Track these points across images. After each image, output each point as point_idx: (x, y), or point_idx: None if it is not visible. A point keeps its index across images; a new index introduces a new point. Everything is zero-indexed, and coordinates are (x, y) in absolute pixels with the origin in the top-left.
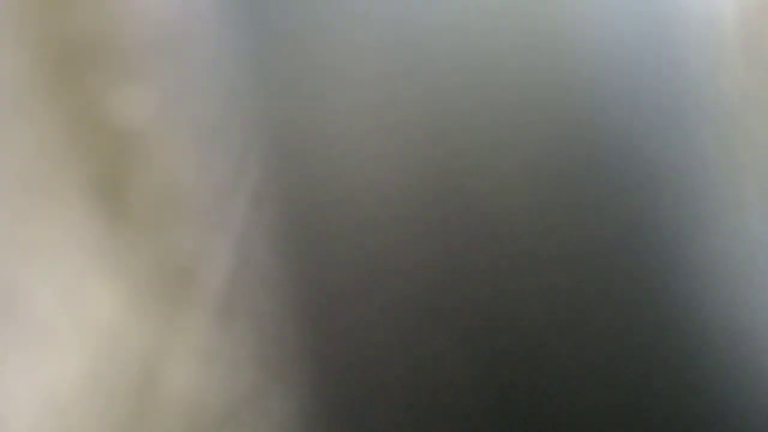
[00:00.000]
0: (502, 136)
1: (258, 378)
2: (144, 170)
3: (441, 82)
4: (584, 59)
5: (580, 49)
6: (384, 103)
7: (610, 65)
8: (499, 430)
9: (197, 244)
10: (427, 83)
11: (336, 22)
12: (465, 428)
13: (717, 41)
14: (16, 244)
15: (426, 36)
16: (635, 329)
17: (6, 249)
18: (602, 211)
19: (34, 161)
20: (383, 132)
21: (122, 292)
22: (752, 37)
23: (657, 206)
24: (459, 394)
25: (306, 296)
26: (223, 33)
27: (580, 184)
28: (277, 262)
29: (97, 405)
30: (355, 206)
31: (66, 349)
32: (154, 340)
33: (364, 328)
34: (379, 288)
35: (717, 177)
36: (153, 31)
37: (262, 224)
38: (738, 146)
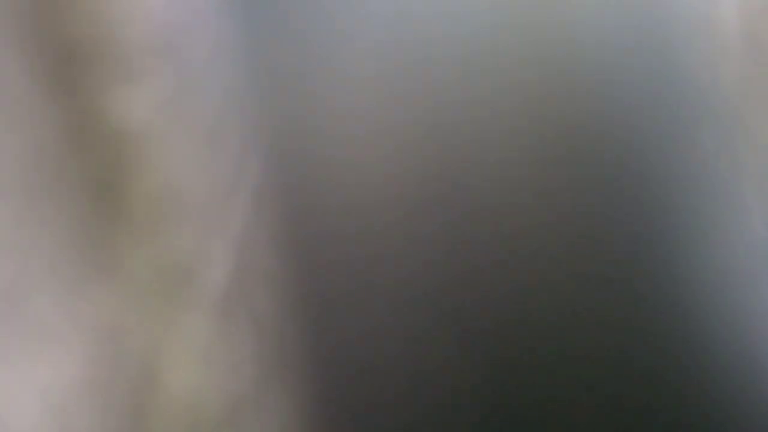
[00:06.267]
0: (503, 136)
1: (257, 378)
2: (143, 171)
3: (441, 83)
4: (584, 60)
5: (580, 50)
6: (384, 104)
7: (610, 65)
8: (500, 429)
9: (197, 245)
10: (428, 83)
11: (336, 22)
12: (466, 427)
13: (718, 41)
14: (16, 245)
15: (426, 36)
16: (637, 329)
17: (6, 250)
18: (603, 212)
19: (33, 162)
20: (383, 132)
21: (121, 293)
22: (753, 38)
23: (658, 206)
24: (458, 393)
25: (305, 296)
26: (222, 34)
27: (581, 185)
28: (276, 263)
29: (97, 405)
30: (354, 206)
31: (65, 349)
32: (154, 340)
33: (362, 328)
34: (379, 287)
35: (717, 176)
36: (153, 31)
37: (262, 224)
38: (739, 146)
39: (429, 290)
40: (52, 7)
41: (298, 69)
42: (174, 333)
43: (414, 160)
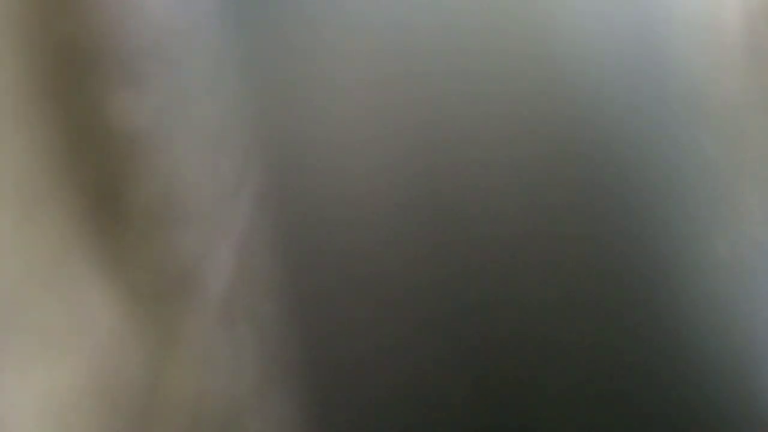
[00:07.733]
0: (497, 140)
1: (259, 382)
2: (144, 175)
3: (436, 89)
4: (584, 62)
5: (579, 53)
6: (383, 108)
7: (610, 67)
8: (494, 429)
9: (198, 249)
10: (423, 89)
11: (334, 28)
12: (461, 428)
13: (719, 43)
14: (17, 249)
15: (421, 42)
16: (632, 332)
17: (6, 254)
18: (600, 213)
19: (34, 165)
20: (383, 137)
21: (123, 297)
22: (754, 40)
23: (656, 208)
24: (454, 396)
25: (306, 301)
26: (223, 38)
27: (579, 187)
28: (277, 267)
29: (98, 410)
30: (355, 211)
31: (66, 354)
32: (155, 344)
33: (363, 332)
34: (379, 292)
35: (718, 177)
36: (153, 35)
37: (263, 228)
38: (739, 147)
39: (430, 294)
40: (52, 12)
41: (299, 73)
42: (175, 337)
43: (412, 165)
